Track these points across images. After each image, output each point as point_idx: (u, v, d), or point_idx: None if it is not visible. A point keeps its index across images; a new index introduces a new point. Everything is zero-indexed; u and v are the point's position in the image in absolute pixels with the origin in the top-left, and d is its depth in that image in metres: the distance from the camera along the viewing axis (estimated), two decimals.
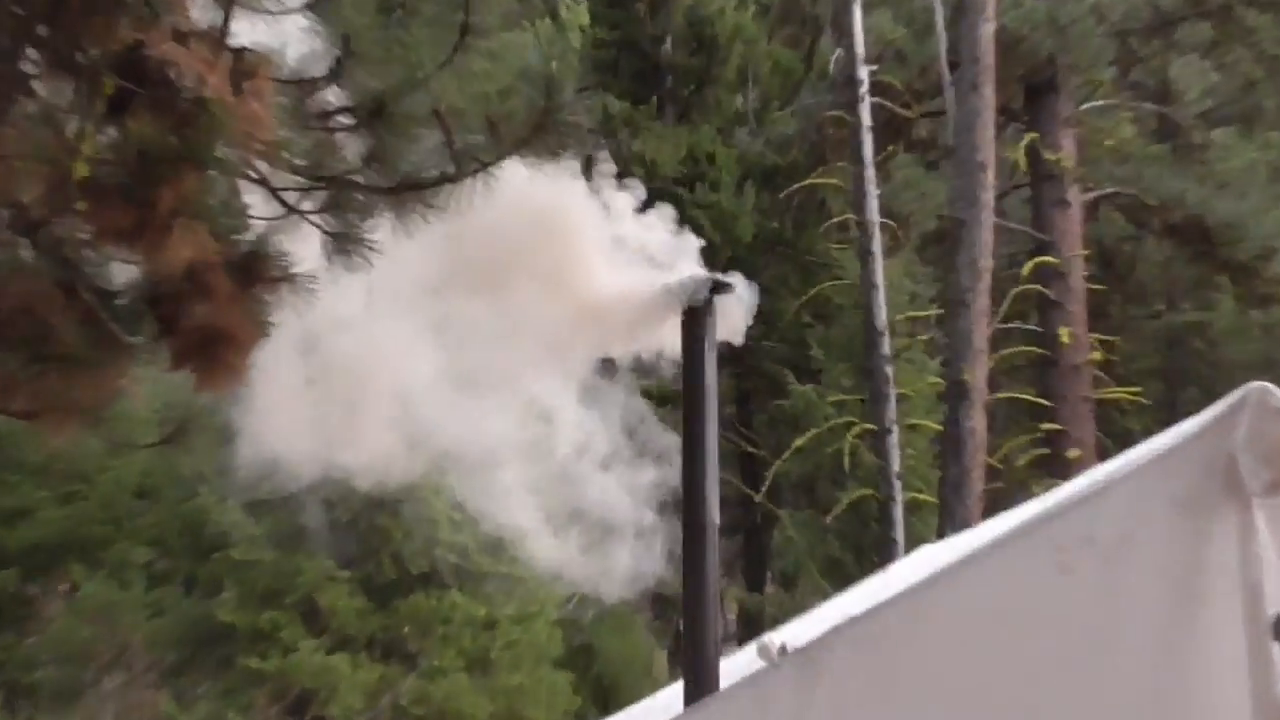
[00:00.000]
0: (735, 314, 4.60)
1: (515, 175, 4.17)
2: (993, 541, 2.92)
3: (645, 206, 4.92)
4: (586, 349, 4.94)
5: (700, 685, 4.14)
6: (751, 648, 4.55)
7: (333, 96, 4.04)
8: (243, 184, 3.96)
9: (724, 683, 4.15)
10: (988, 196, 14.96)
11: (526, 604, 13.54)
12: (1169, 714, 2.66)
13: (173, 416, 4.80)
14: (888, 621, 2.90)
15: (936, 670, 2.83)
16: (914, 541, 14.51)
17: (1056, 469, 15.34)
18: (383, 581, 13.04)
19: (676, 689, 4.99)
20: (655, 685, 10.46)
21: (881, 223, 16.52)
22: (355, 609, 12.93)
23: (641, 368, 5.27)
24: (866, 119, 16.54)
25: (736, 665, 4.41)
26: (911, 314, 17.34)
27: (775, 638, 4.27)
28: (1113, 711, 2.70)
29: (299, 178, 4.04)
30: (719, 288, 4.50)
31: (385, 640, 13.10)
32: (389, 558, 13.02)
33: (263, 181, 3.99)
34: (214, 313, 3.88)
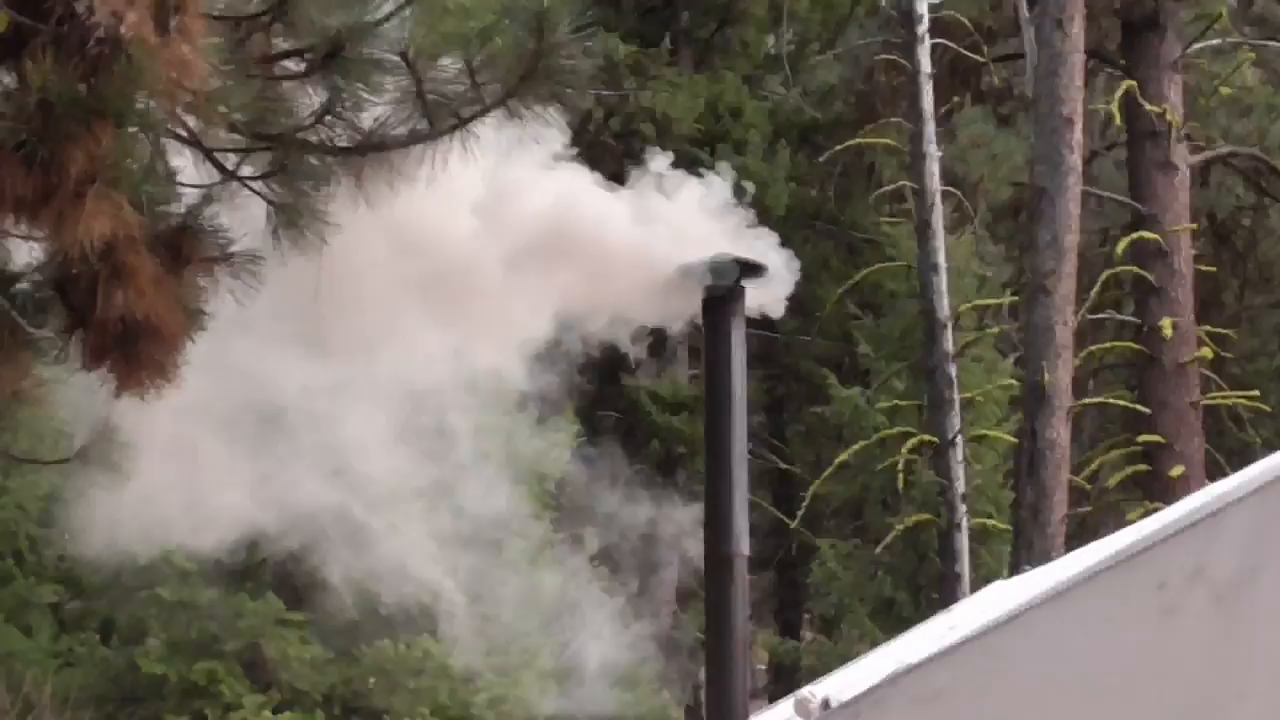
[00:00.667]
0: (769, 291, 4.59)
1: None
2: (1080, 577, 2.91)
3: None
4: (583, 311, 4.94)
5: None
6: (787, 703, 4.54)
7: (278, 38, 4.03)
8: (170, 144, 3.95)
9: None
10: (1074, 159, 14.92)
11: (513, 652, 13.54)
12: None
13: (86, 426, 4.79)
14: (953, 673, 2.89)
15: None
16: (982, 578, 14.49)
17: (1157, 489, 15.31)
18: (341, 625, 13.04)
19: None
20: None
21: (944, 191, 16.49)
22: (309, 658, 12.94)
23: (649, 364, 5.27)
24: (926, 64, 16.50)
25: None
26: (980, 302, 17.32)
27: (816, 690, 4.26)
28: None
29: (237, 136, 4.02)
30: (748, 271, 4.49)
31: (345, 695, 13.10)
32: (349, 596, 13.02)
33: (194, 141, 3.98)
34: (136, 300, 3.87)
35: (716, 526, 4.26)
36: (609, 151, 20.19)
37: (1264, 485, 2.80)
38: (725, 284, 4.45)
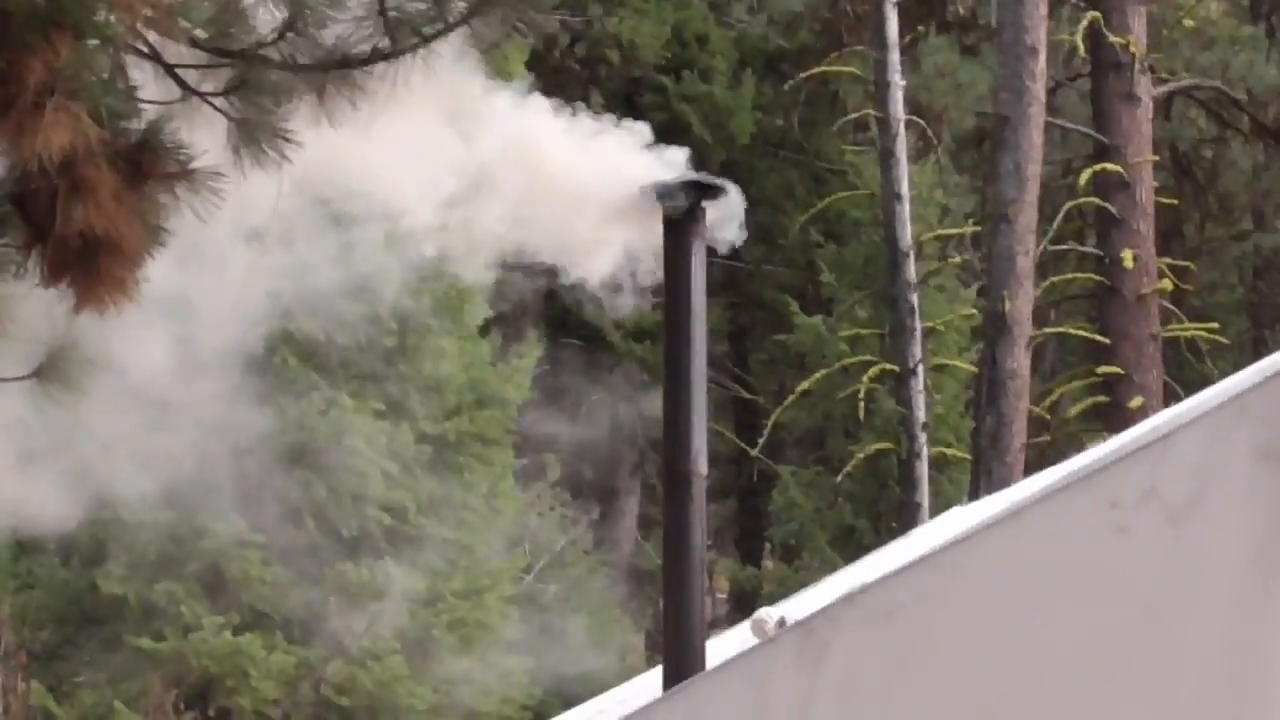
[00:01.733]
0: (725, 227, 4.59)
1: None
2: (1034, 498, 2.95)
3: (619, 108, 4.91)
4: (544, 246, 4.94)
5: (683, 670, 4.17)
6: (745, 625, 4.60)
7: None
8: (130, 58, 3.92)
9: (711, 666, 4.18)
10: (1038, 89, 14.93)
11: (475, 576, 13.61)
12: (1242, 701, 2.69)
13: (44, 343, 4.78)
14: (907, 590, 2.92)
15: (965, 648, 2.85)
16: (942, 506, 14.60)
17: (1116, 420, 15.42)
18: (303, 547, 13.08)
19: (655, 676, 5.04)
20: (630, 674, 10.54)
21: (908, 120, 16.47)
22: (270, 580, 12.98)
23: (611, 293, 5.28)
24: None
25: (727, 645, 4.45)
26: (943, 232, 17.35)
27: (772, 611, 4.31)
28: (1175, 698, 2.73)
29: (199, 52, 4.00)
30: (708, 192, 4.50)
31: (305, 618, 13.16)
32: (311, 519, 13.05)
33: (154, 56, 3.95)
34: (96, 215, 3.86)
35: (674, 444, 4.28)
36: (573, 77, 20.10)
37: (1213, 409, 2.84)
38: (684, 204, 4.46)
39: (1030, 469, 14.23)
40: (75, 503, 11.87)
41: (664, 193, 4.48)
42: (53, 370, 4.84)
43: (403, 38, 4.11)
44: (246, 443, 12.55)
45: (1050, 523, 2.86)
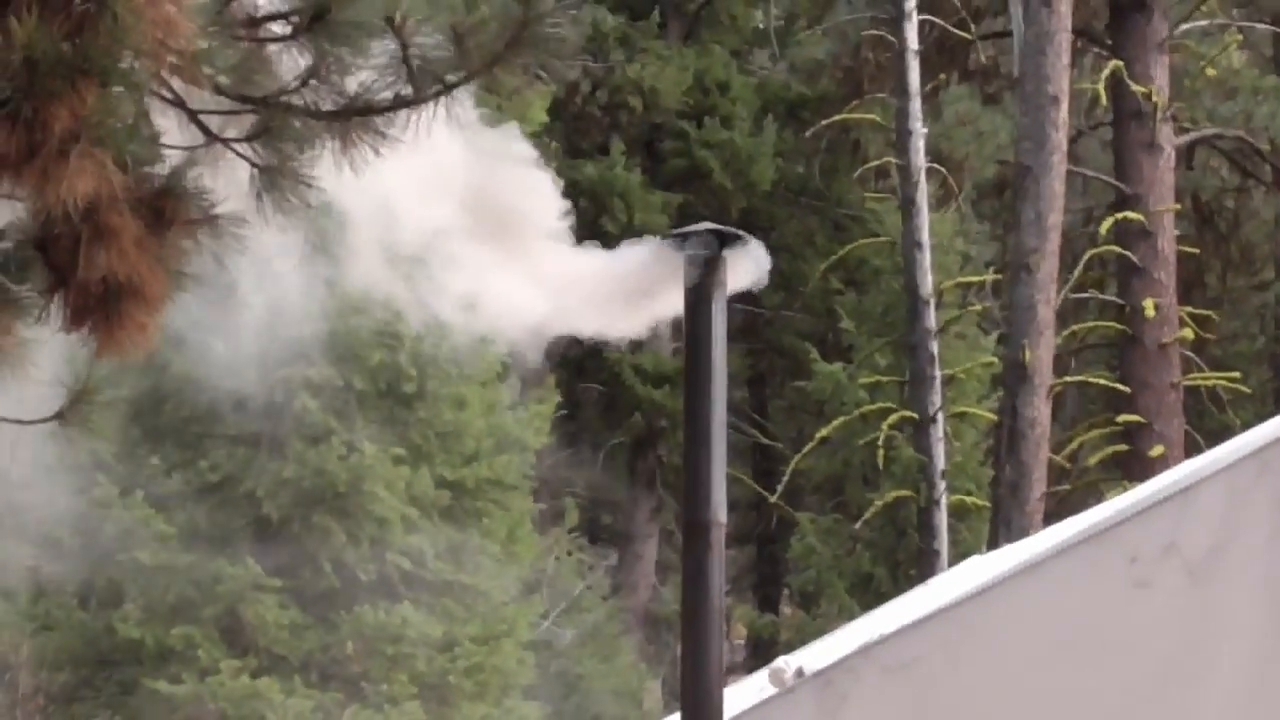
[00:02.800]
0: (743, 282, 4.60)
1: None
2: (1053, 550, 2.93)
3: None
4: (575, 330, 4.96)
5: (700, 718, 4.15)
6: (763, 674, 4.57)
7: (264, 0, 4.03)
8: (154, 104, 3.95)
9: (729, 717, 4.16)
10: (1060, 138, 14.94)
11: (492, 622, 13.58)
12: None
13: (66, 387, 4.79)
14: (925, 643, 2.91)
15: (982, 701, 2.84)
16: (961, 554, 14.54)
17: (1136, 469, 15.36)
18: (321, 591, 13.06)
19: None
20: None
21: (929, 168, 16.50)
22: (287, 624, 12.96)
23: (634, 341, 5.29)
24: (913, 40, 16.49)
25: (744, 694, 4.42)
26: (963, 280, 17.36)
27: (790, 660, 4.29)
28: None
29: (223, 98, 4.02)
30: (729, 240, 4.50)
31: (323, 662, 13.13)
32: (329, 563, 13.04)
33: (179, 102, 3.97)
34: (119, 261, 3.87)
35: (694, 493, 4.26)
36: (595, 123, 20.18)
37: (1235, 462, 2.83)
38: (705, 255, 4.46)
39: (1050, 518, 14.17)
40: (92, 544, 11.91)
41: (687, 247, 4.49)
42: (74, 413, 4.85)
43: (425, 85, 4.13)
44: (265, 488, 12.57)
45: (1069, 577, 2.85)
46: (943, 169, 17.20)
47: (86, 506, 13.02)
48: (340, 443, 12.99)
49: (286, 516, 12.89)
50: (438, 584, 13.41)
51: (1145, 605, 2.75)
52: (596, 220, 17.89)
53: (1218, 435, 16.48)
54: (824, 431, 16.98)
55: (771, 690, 3.92)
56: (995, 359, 16.77)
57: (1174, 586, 2.75)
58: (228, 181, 4.15)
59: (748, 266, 4.63)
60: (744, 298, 5.24)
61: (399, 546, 13.18)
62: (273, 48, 4.05)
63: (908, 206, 16.37)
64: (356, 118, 4.16)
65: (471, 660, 13.26)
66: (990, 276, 17.79)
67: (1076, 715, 2.77)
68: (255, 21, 3.99)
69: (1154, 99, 16.03)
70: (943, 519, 16.07)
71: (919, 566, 15.92)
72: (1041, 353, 14.84)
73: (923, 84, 16.54)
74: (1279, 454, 2.81)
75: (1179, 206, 17.11)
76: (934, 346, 16.23)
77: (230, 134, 4.11)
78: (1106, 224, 16.32)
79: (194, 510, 12.85)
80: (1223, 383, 17.01)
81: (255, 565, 12.85)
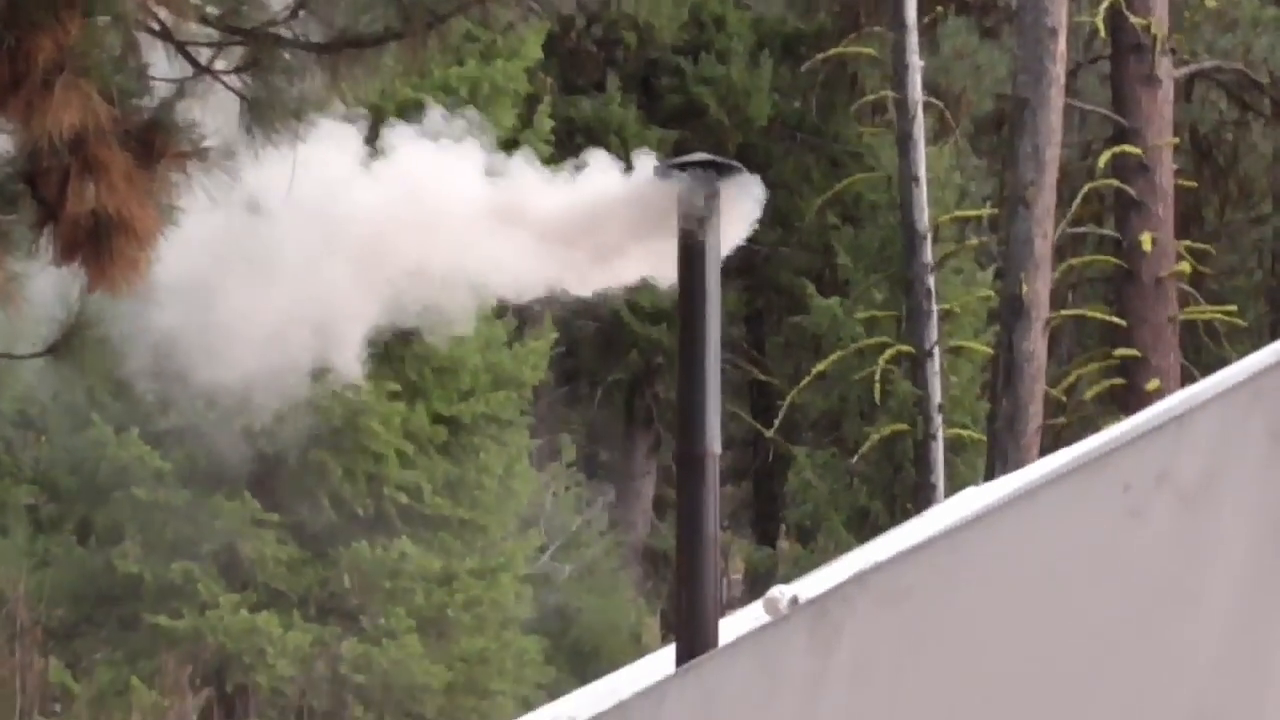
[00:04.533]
0: (738, 213, 4.58)
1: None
2: (1046, 479, 2.93)
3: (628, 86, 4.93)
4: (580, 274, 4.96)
5: (695, 649, 4.16)
6: (758, 604, 4.59)
7: None
8: (142, 37, 3.91)
9: (723, 643, 4.17)
10: (1058, 71, 14.86)
11: (490, 556, 13.63)
12: (1254, 684, 2.68)
13: (59, 322, 4.77)
14: (919, 570, 2.91)
15: (976, 629, 2.84)
16: (957, 488, 14.57)
17: (1133, 403, 15.36)
18: (319, 527, 13.10)
19: (668, 655, 5.04)
20: (644, 654, 10.54)
21: (926, 102, 16.41)
22: (285, 559, 13.00)
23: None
24: None
25: (740, 624, 4.44)
26: (960, 214, 17.30)
27: (786, 590, 4.30)
28: (1187, 680, 2.71)
29: (211, 30, 3.99)
30: (724, 172, 4.48)
31: (321, 596, 13.19)
32: (326, 499, 13.07)
33: (166, 34, 3.94)
34: (108, 194, 3.85)
35: (688, 425, 4.27)
36: (590, 59, 20.07)
37: (1228, 390, 2.81)
38: (701, 188, 4.44)
39: (1046, 451, 14.18)
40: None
41: (683, 177, 4.46)
42: (66, 349, 4.83)
43: (415, 17, 4.09)
44: (261, 423, 12.56)
45: (1062, 505, 2.84)
46: (940, 103, 17.11)
47: (84, 444, 13.04)
48: (336, 378, 12.99)
49: (283, 452, 12.90)
50: (435, 519, 13.44)
51: (1138, 532, 2.74)
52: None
53: (1214, 369, 16.45)
54: (820, 366, 16.97)
55: (766, 619, 3.92)
56: (992, 293, 16.75)
57: (1167, 514, 2.75)
58: (217, 114, 4.12)
59: (743, 199, 4.61)
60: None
61: (396, 481, 13.20)
62: None
63: (904, 141, 16.29)
64: (346, 50, 4.13)
65: (469, 594, 13.31)
66: (987, 211, 17.73)
67: (1069, 641, 2.77)
68: None
69: (1153, 31, 15.93)
70: (939, 453, 16.08)
71: (915, 500, 15.95)
72: (1038, 287, 14.82)
73: (920, 17, 16.42)
74: (1272, 382, 2.79)
75: (1177, 140, 17.04)
76: (930, 281, 16.19)
77: (219, 66, 4.08)
78: (1104, 158, 16.25)
79: (190, 447, 12.86)
80: (1219, 317, 16.99)
81: (253, 501, 12.88)
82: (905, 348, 16.37)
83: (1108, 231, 16.89)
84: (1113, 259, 16.41)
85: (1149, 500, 2.74)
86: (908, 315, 16.52)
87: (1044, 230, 14.90)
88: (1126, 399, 15.84)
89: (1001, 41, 18.03)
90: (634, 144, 19.15)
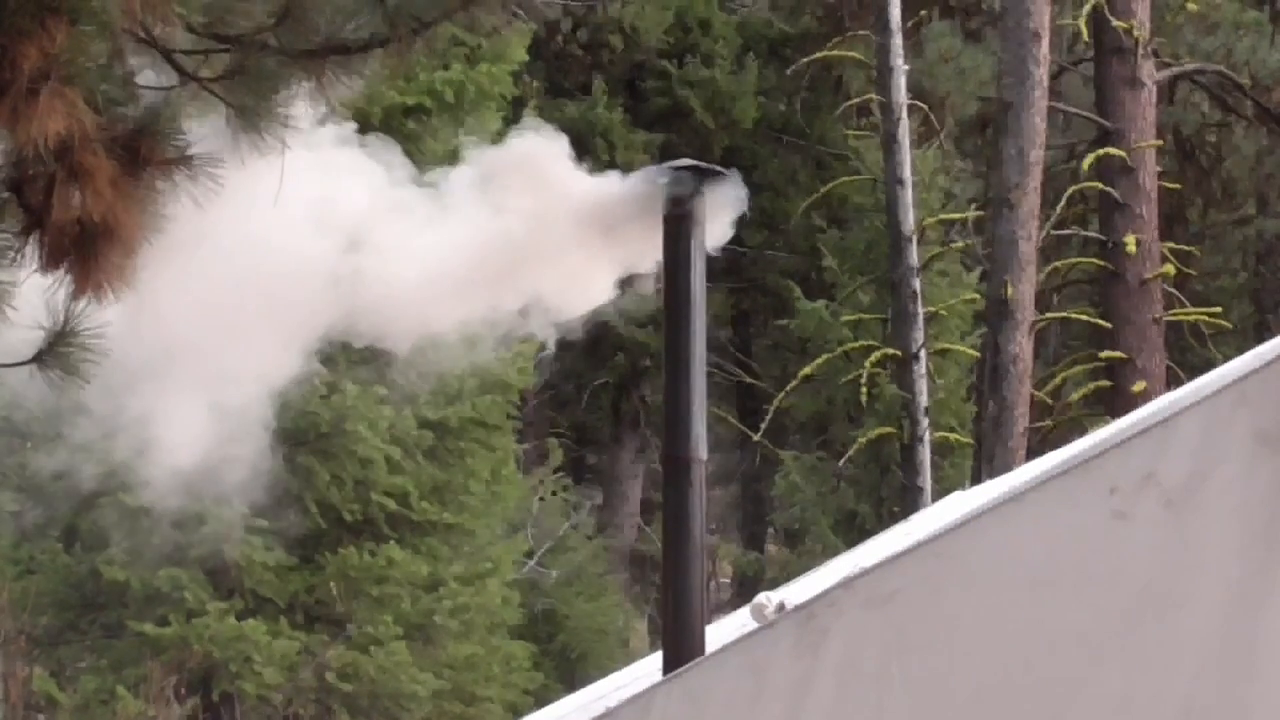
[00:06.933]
0: (721, 216, 4.59)
1: None
2: (1032, 483, 2.94)
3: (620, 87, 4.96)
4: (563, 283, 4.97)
5: (682, 654, 4.17)
6: (745, 610, 4.59)
7: None
8: (127, 44, 3.91)
9: (710, 651, 4.18)
10: (1041, 73, 14.90)
11: (477, 561, 13.62)
12: (1240, 685, 2.69)
13: (44, 328, 4.76)
14: (906, 575, 2.92)
15: (963, 632, 2.85)
16: (944, 491, 14.60)
17: (1119, 404, 15.40)
18: (306, 533, 13.09)
19: (655, 660, 5.04)
20: (632, 658, 10.56)
21: (911, 105, 16.44)
22: (272, 565, 12.99)
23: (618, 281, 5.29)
24: None
25: (727, 630, 4.45)
26: (945, 216, 17.33)
27: (772, 595, 4.31)
28: (1174, 681, 2.73)
29: (196, 38, 3.99)
30: (708, 176, 4.49)
31: (308, 603, 13.17)
32: (314, 504, 13.06)
33: (151, 41, 3.94)
34: (94, 201, 3.85)
35: (674, 430, 4.28)
36: (576, 63, 20.08)
37: (1213, 394, 2.83)
38: (685, 190, 4.45)
39: (1032, 454, 14.21)
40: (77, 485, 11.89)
41: (666, 179, 4.47)
42: (52, 356, 4.83)
43: (400, 24, 4.09)
44: (248, 428, 12.52)
45: (1049, 508, 2.85)
46: (924, 106, 17.14)
47: (70, 450, 13.00)
48: (322, 383, 12.99)
49: (271, 457, 12.88)
50: (422, 524, 13.43)
51: (1124, 534, 2.76)
52: (579, 160, 17.81)
53: (1199, 370, 16.50)
54: (807, 369, 16.99)
55: (753, 625, 3.93)
56: (978, 295, 16.78)
57: (1152, 517, 2.76)
58: (203, 122, 4.12)
59: (726, 202, 4.62)
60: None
61: (383, 487, 13.19)
62: None
63: (890, 143, 16.31)
64: (332, 56, 4.13)
65: (457, 600, 13.30)
66: (972, 213, 17.76)
67: (1057, 640, 2.79)
68: None
69: (1135, 34, 15.98)
70: (926, 455, 16.10)
71: (902, 503, 15.97)
72: (1024, 288, 14.85)
73: (904, 20, 16.45)
74: (1256, 385, 2.81)
75: (1160, 142, 17.09)
76: (916, 283, 16.22)
77: (205, 74, 4.08)
78: (1088, 160, 16.29)
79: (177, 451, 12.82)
80: (1204, 318, 17.04)
81: (240, 507, 12.86)
82: (891, 350, 16.40)
83: (1092, 233, 16.94)
84: (1097, 261, 16.46)
85: (1135, 502, 2.76)
86: (894, 318, 16.54)
87: (1029, 232, 14.94)
88: (1112, 401, 15.88)
89: (985, 44, 18.07)
90: (620, 147, 19.20)
